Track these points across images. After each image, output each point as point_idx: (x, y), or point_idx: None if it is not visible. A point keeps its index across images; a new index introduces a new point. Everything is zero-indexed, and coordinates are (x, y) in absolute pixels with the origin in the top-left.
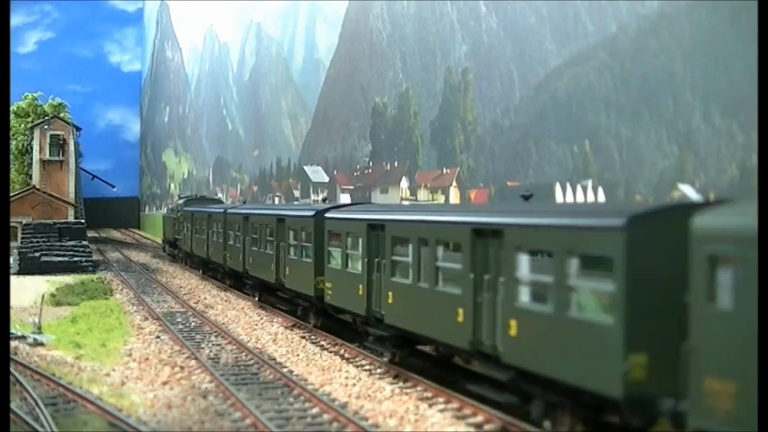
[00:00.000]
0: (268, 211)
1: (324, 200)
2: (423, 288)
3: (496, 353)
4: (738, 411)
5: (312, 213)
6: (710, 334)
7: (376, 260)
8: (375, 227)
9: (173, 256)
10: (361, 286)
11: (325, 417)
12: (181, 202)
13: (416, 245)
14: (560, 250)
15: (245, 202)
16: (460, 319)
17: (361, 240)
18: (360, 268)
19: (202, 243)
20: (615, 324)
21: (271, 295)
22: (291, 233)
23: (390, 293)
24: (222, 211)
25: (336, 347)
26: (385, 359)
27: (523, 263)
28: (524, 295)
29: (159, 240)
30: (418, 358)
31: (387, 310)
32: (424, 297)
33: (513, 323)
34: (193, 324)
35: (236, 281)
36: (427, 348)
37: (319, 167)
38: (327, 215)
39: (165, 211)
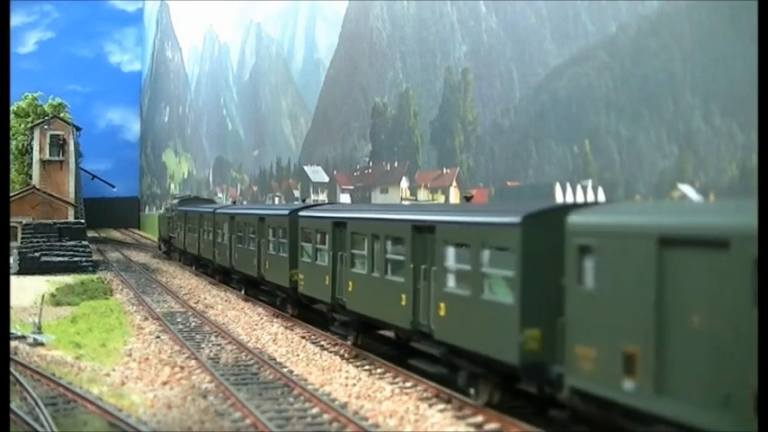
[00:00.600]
0: (251, 211)
1: (303, 200)
2: (375, 277)
3: (431, 331)
4: (598, 371)
5: (287, 212)
6: (579, 310)
7: (339, 254)
8: (339, 224)
9: (168, 254)
10: (327, 277)
11: (325, 417)
12: (175, 202)
13: (370, 240)
14: (475, 243)
15: (234, 203)
16: (403, 303)
17: (327, 236)
18: (326, 261)
19: (194, 241)
20: (514, 303)
21: (255, 288)
22: (270, 231)
23: (350, 283)
24: (212, 210)
25: (336, 347)
26: (349, 342)
27: (450, 254)
28: (451, 281)
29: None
30: (379, 341)
31: (348, 297)
32: (376, 285)
33: (442, 305)
34: (193, 324)
35: (224, 276)
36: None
37: (319, 167)
38: (300, 214)
39: (161, 210)
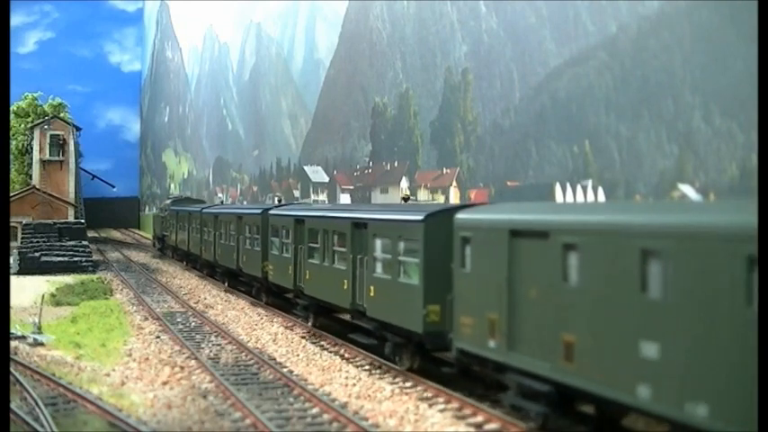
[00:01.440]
0: (231, 210)
1: (279, 200)
2: (325, 266)
3: (364, 310)
4: (473, 335)
5: (260, 211)
6: (461, 288)
7: (299, 246)
8: (299, 221)
9: (161, 251)
10: (290, 267)
11: (325, 417)
12: (168, 202)
13: (322, 235)
14: (394, 237)
15: (222, 203)
16: (345, 287)
17: (290, 232)
18: (290, 253)
19: (184, 238)
20: (419, 284)
21: (234, 280)
22: (247, 228)
23: (307, 271)
24: (199, 210)
25: (336, 347)
26: (309, 323)
27: (378, 246)
28: (378, 268)
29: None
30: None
31: (306, 284)
32: (326, 273)
33: (372, 288)
34: (193, 324)
35: (211, 269)
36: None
37: (319, 167)
38: (270, 213)
39: (155, 210)
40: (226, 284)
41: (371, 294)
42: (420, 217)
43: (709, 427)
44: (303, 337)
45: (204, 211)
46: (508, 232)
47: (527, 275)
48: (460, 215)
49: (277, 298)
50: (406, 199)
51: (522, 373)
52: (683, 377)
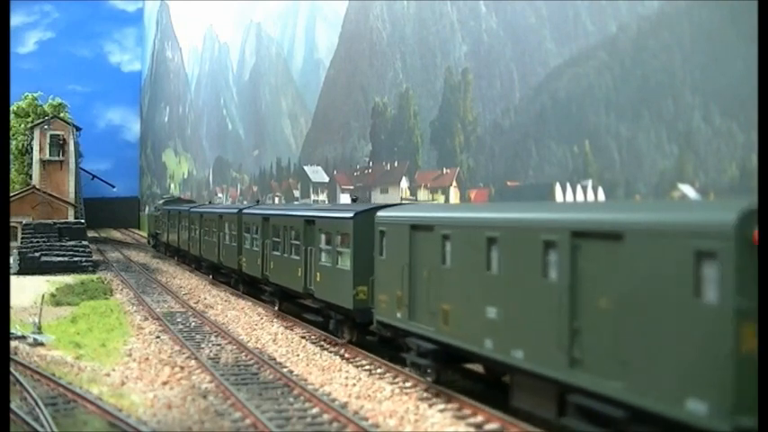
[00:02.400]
0: (214, 210)
1: (257, 201)
2: (284, 257)
3: (313, 292)
4: (387, 308)
5: (236, 211)
6: (379, 271)
7: (266, 241)
8: (266, 219)
9: (155, 247)
10: (259, 259)
11: (326, 417)
12: (161, 202)
13: (282, 230)
14: (333, 231)
15: (210, 202)
16: (299, 274)
17: (259, 228)
18: (258, 247)
19: (175, 235)
20: (350, 270)
21: (218, 273)
22: (226, 225)
23: (272, 262)
24: (188, 210)
25: (336, 347)
26: (276, 308)
27: (322, 239)
28: (323, 257)
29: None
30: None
31: (271, 273)
32: (284, 262)
33: (318, 274)
34: (193, 324)
35: (197, 264)
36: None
37: (319, 167)
38: (244, 211)
39: (151, 210)
40: (210, 277)
41: (318, 279)
42: (350, 215)
43: (525, 367)
44: (303, 337)
45: (191, 210)
46: (409, 227)
47: (420, 260)
48: (380, 213)
49: (251, 287)
50: (354, 200)
51: (419, 337)
52: (510, 332)
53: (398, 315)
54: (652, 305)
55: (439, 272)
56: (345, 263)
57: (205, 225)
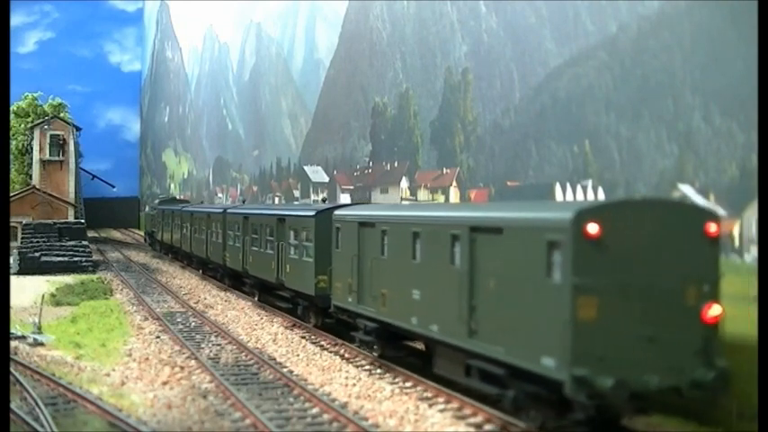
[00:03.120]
0: (203, 210)
1: (243, 201)
2: (261, 251)
3: (284, 282)
4: (341, 294)
5: (221, 211)
6: (336, 262)
7: (246, 238)
8: (246, 218)
9: (152, 245)
10: (240, 254)
11: (326, 417)
12: (156, 202)
13: (258, 227)
14: (299, 228)
15: (201, 202)
16: (273, 267)
17: (240, 226)
18: (240, 243)
19: (168, 233)
20: (312, 261)
21: (206, 269)
22: (213, 224)
23: (251, 257)
24: (180, 209)
25: (336, 347)
26: (255, 298)
27: (291, 235)
28: (291, 251)
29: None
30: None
31: (250, 266)
32: (261, 256)
33: (288, 266)
34: (193, 324)
35: (189, 259)
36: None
37: (319, 167)
38: (228, 211)
39: (147, 209)
40: (201, 272)
41: (288, 270)
42: (312, 213)
43: (439, 338)
44: (303, 337)
45: (183, 210)
46: (358, 224)
47: (366, 252)
48: (336, 212)
49: (235, 281)
50: (323, 200)
51: (365, 318)
52: (428, 310)
53: (350, 299)
54: (520, 285)
55: (379, 261)
56: (309, 256)
57: (195, 224)
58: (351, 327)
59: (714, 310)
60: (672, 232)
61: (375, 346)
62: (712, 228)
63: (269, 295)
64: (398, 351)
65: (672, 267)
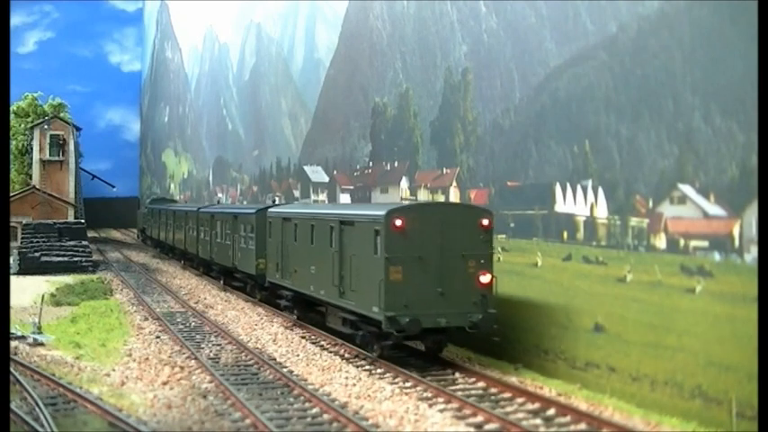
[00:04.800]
0: (182, 208)
1: (218, 201)
2: (222, 243)
3: (237, 267)
4: (273, 272)
5: (195, 209)
6: (269, 248)
7: (213, 231)
8: (212, 215)
9: (144, 241)
10: (209, 246)
11: (326, 417)
12: (148, 201)
13: (222, 223)
14: (245, 222)
15: (186, 202)
16: (230, 254)
17: (208, 222)
18: (208, 236)
19: (157, 229)
20: (254, 248)
21: (186, 259)
22: (189, 221)
23: (216, 248)
24: (165, 208)
25: (336, 347)
26: (221, 282)
27: (241, 229)
28: (242, 242)
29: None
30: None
31: (215, 255)
32: (222, 246)
33: (239, 254)
34: (193, 324)
35: (172, 252)
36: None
37: (319, 167)
38: (201, 210)
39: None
40: (182, 262)
41: (239, 257)
42: (253, 211)
43: (324, 299)
44: (303, 337)
45: (168, 209)
46: (281, 218)
47: (286, 240)
48: (269, 210)
49: (207, 269)
50: (273, 202)
51: (286, 289)
52: (319, 279)
53: (277, 276)
54: (364, 259)
55: (293, 246)
56: (251, 244)
57: (177, 221)
58: (280, 297)
59: (485, 277)
60: (455, 224)
61: (295, 311)
62: (485, 221)
63: (230, 278)
64: (311, 313)
65: (455, 247)
